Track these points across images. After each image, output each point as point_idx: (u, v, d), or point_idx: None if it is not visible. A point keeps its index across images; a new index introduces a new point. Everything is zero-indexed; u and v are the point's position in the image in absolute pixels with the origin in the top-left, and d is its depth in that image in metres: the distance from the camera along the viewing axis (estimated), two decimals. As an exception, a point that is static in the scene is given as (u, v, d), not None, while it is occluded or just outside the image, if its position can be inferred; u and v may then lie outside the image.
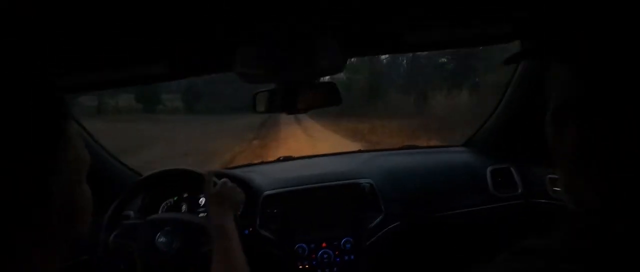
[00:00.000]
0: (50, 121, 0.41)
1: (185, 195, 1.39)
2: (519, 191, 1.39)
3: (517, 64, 1.26)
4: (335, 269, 1.30)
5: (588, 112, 0.35)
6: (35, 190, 0.39)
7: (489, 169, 1.44)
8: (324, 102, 1.14)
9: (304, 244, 1.30)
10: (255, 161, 1.92)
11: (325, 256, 1.29)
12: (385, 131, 11.51)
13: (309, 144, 10.09)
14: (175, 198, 1.39)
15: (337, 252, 1.29)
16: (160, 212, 1.35)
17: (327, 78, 1.12)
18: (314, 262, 1.29)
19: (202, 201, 1.38)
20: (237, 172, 1.47)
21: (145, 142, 11.32)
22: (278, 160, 1.85)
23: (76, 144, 0.45)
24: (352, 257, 1.30)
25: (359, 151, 1.88)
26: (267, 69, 0.91)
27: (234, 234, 0.93)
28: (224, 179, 1.06)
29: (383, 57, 21.01)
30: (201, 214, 1.32)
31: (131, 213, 1.33)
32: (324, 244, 1.30)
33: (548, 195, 1.29)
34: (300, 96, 1.12)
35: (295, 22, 0.78)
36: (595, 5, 0.36)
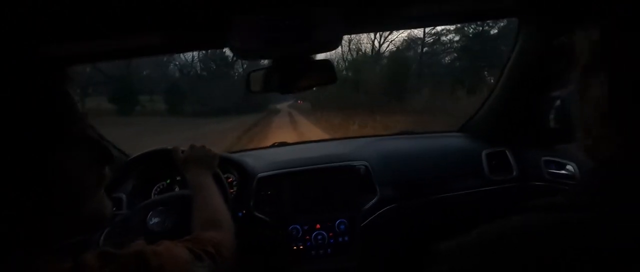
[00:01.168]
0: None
1: (178, 178, 1.37)
2: (514, 173, 1.39)
3: (513, 48, 1.25)
4: (329, 250, 1.29)
5: (619, 65, 0.35)
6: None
7: (484, 153, 1.43)
8: (320, 81, 1.12)
9: (298, 226, 1.29)
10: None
11: (319, 237, 1.28)
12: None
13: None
14: (168, 181, 1.37)
15: (331, 234, 1.29)
16: (152, 196, 1.33)
17: (322, 56, 1.10)
18: (308, 244, 1.29)
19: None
20: (232, 155, 1.45)
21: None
22: (273, 145, 1.83)
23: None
24: (346, 238, 1.29)
25: (355, 137, 1.87)
26: (261, 42, 0.89)
27: (213, 188, 0.94)
28: (191, 144, 1.06)
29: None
30: None
31: (123, 196, 1.31)
32: (318, 226, 1.30)
33: (543, 177, 1.29)
34: (295, 74, 1.10)
35: None
36: None
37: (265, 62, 1.13)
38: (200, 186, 0.94)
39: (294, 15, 0.81)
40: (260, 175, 1.36)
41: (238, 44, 0.93)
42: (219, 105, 21.56)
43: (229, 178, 1.37)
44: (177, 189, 1.36)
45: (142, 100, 22.67)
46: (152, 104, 23.51)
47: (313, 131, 12.42)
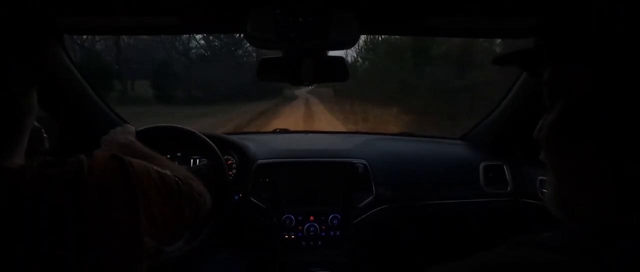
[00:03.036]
0: None
1: (179, 154, 1.38)
2: (509, 188, 1.41)
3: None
4: (319, 243, 1.32)
5: (607, 122, 0.34)
6: None
7: (482, 164, 1.45)
8: (330, 77, 1.13)
9: (291, 215, 1.32)
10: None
11: (311, 229, 1.31)
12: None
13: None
14: (168, 156, 1.39)
15: (323, 227, 1.31)
16: None
17: (336, 52, 1.10)
18: (300, 234, 1.31)
19: (198, 161, 1.38)
20: (234, 138, 1.46)
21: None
22: (275, 131, 1.84)
23: None
24: (338, 233, 1.32)
25: (357, 132, 1.88)
26: (278, 34, 0.89)
27: (151, 151, 0.92)
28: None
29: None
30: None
31: None
32: (311, 218, 1.32)
33: (536, 196, 1.31)
34: (307, 67, 1.10)
35: None
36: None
37: (278, 51, 1.13)
38: (142, 156, 0.86)
39: (312, 12, 0.81)
40: (260, 161, 1.37)
41: (254, 33, 0.93)
42: (223, 91, 17.19)
43: (229, 160, 1.39)
44: (176, 164, 1.37)
45: (116, 84, 15.49)
46: (137, 89, 16.92)
47: (332, 125, 10.77)
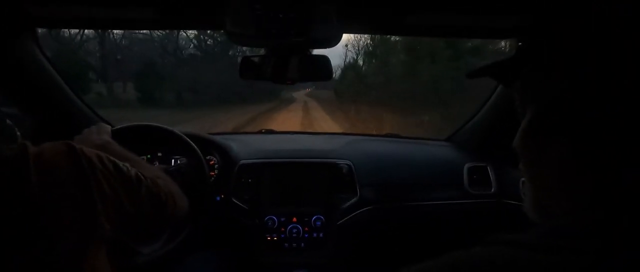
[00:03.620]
0: None
1: (159, 154, 1.35)
2: (493, 190, 1.41)
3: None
4: (302, 244, 1.30)
5: (581, 122, 0.35)
6: None
7: (466, 166, 1.45)
8: (314, 75, 1.11)
9: (274, 217, 1.29)
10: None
11: (294, 230, 1.29)
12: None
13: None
14: (149, 156, 1.35)
15: (306, 228, 1.29)
16: None
17: (321, 51, 1.08)
18: (283, 236, 1.29)
19: (178, 161, 1.35)
20: (217, 138, 1.43)
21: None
22: (260, 132, 1.82)
23: None
24: (321, 235, 1.30)
25: (343, 133, 1.87)
26: (257, 29, 0.87)
27: (126, 152, 0.88)
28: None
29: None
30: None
31: None
32: (294, 219, 1.30)
33: (519, 197, 1.31)
34: (290, 66, 1.09)
35: None
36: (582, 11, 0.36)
37: (262, 49, 1.11)
38: (118, 156, 0.85)
39: (292, 7, 0.79)
40: (242, 162, 1.35)
41: (234, 29, 0.91)
42: (215, 93, 16.02)
43: (211, 161, 1.36)
44: (157, 164, 1.34)
45: (94, 86, 14.62)
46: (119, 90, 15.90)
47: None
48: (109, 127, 1.05)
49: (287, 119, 13.12)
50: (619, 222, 0.32)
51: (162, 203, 0.69)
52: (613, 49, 0.33)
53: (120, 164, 0.64)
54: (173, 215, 0.72)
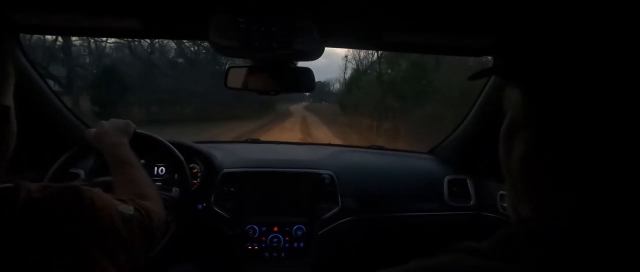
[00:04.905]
0: None
1: (142, 161, 1.34)
2: (472, 202, 1.44)
3: (486, 82, 1.30)
4: (283, 254, 1.30)
5: (535, 129, 0.38)
6: None
7: (446, 178, 1.48)
8: (297, 87, 1.14)
9: (255, 226, 1.30)
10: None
11: (275, 240, 1.29)
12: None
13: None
14: None
15: (287, 238, 1.30)
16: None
17: (305, 63, 1.11)
18: (263, 245, 1.29)
19: (162, 170, 1.35)
20: (201, 146, 1.43)
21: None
22: (245, 141, 1.83)
23: None
24: (302, 245, 1.31)
25: (328, 144, 1.89)
26: (241, 41, 0.89)
27: (133, 160, 0.90)
28: (100, 122, 1.01)
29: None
30: (157, 183, 1.28)
31: (81, 172, 1.28)
32: (275, 228, 1.30)
33: (496, 210, 1.35)
34: (274, 77, 1.11)
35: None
36: (547, 31, 0.39)
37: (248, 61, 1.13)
38: (120, 160, 0.88)
39: (275, 21, 0.82)
40: (225, 170, 1.35)
41: (217, 40, 0.92)
42: (194, 106, 13.42)
43: (194, 169, 1.36)
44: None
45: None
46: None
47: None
48: (134, 127, 1.06)
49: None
50: (582, 231, 0.34)
51: (151, 236, 0.67)
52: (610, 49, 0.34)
53: (127, 212, 0.60)
54: (157, 233, 0.70)
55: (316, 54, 0.99)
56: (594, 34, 0.35)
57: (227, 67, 1.15)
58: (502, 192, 1.39)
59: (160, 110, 13.13)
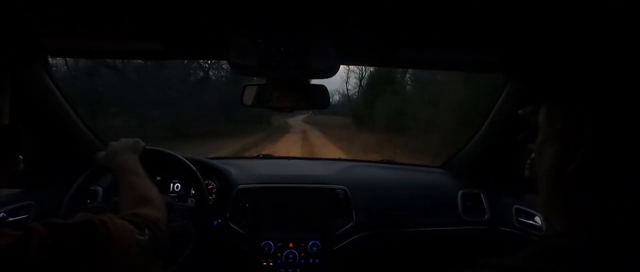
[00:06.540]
0: None
1: (158, 178, 1.37)
2: (486, 217, 1.43)
3: (499, 95, 1.31)
4: (298, 270, 1.30)
5: (566, 139, 0.39)
6: None
7: (460, 193, 1.48)
8: (312, 104, 1.16)
9: (270, 242, 1.30)
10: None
11: (290, 256, 1.29)
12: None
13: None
14: None
15: (302, 254, 1.30)
16: None
17: (319, 80, 1.13)
18: (279, 261, 1.29)
19: (177, 186, 1.37)
20: (215, 162, 1.46)
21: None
22: (258, 157, 1.85)
23: None
24: (317, 260, 1.30)
25: (339, 159, 1.90)
26: (259, 61, 0.92)
27: (139, 170, 0.92)
28: (110, 143, 1.04)
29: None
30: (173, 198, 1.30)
31: (100, 189, 1.30)
32: (291, 244, 1.31)
33: (513, 224, 1.34)
34: (289, 94, 1.14)
35: (293, 20, 0.79)
36: (578, 50, 0.41)
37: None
38: (126, 169, 0.91)
39: (292, 43, 0.85)
40: (240, 186, 1.37)
41: (237, 60, 0.96)
42: (166, 122, 10.54)
43: (209, 185, 1.38)
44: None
45: None
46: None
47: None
48: (143, 145, 1.09)
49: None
50: (610, 248, 0.34)
51: (165, 246, 0.68)
52: None
53: (142, 239, 0.61)
54: (167, 241, 0.71)
55: (332, 71, 1.02)
56: (627, 51, 0.38)
57: (243, 86, 1.18)
58: (517, 206, 1.38)
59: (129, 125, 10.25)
